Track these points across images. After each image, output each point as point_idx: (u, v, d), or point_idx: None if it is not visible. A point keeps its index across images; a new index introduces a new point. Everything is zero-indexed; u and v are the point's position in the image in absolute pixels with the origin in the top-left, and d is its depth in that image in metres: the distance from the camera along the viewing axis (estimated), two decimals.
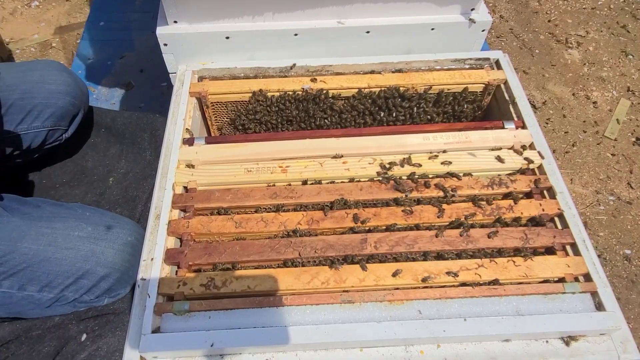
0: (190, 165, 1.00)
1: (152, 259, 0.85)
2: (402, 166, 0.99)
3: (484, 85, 1.18)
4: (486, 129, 1.07)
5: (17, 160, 1.33)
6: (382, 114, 1.19)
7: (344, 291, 0.82)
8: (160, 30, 1.17)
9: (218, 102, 1.18)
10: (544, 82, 2.16)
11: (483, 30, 1.26)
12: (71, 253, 1.02)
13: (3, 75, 1.22)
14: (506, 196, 0.96)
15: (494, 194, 0.96)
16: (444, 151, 1.03)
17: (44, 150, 1.34)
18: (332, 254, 0.86)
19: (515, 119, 1.10)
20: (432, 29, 1.23)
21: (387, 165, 0.99)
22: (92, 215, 1.10)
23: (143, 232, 0.97)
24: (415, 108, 1.18)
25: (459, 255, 0.88)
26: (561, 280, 0.84)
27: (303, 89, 1.14)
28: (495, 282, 0.83)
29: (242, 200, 0.94)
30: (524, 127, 1.07)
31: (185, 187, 0.98)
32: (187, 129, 1.07)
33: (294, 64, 1.17)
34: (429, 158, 1.01)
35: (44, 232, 1.01)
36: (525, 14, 2.45)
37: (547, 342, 0.78)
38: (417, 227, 0.91)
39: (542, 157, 1.01)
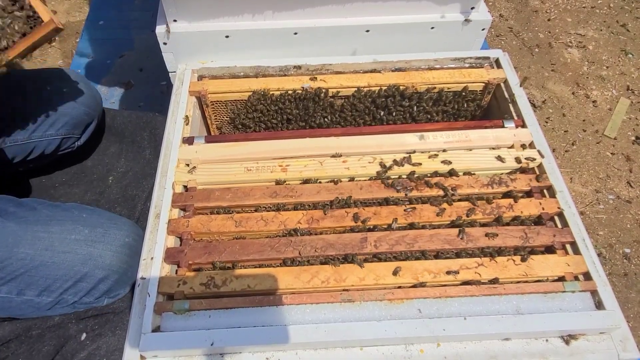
0: (189, 166, 1.00)
1: (152, 258, 0.85)
2: (402, 165, 0.99)
3: (483, 84, 1.18)
4: (486, 128, 1.07)
5: (30, 166, 1.35)
6: (382, 113, 1.19)
7: (344, 290, 0.82)
8: (159, 29, 1.17)
9: (218, 101, 1.18)
10: (543, 81, 2.16)
11: (483, 29, 1.26)
12: (68, 257, 1.01)
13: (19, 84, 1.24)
14: (506, 195, 0.96)
15: (494, 192, 0.96)
16: (444, 150, 1.02)
17: (56, 156, 1.36)
18: (332, 253, 0.86)
19: (515, 117, 1.10)
20: (432, 28, 1.23)
21: (387, 165, 0.99)
22: (89, 217, 1.09)
23: (141, 232, 0.97)
24: (415, 107, 1.18)
25: (458, 254, 0.88)
26: (561, 279, 0.84)
27: (303, 87, 1.14)
28: (495, 281, 0.83)
29: (242, 199, 0.94)
30: (523, 126, 1.07)
31: (185, 186, 0.98)
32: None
33: (299, 66, 1.17)
34: (429, 157, 1.00)
35: (40, 236, 1.01)
36: (525, 13, 2.45)
37: (547, 340, 0.78)
38: (417, 226, 0.91)
39: (542, 156, 1.00)
